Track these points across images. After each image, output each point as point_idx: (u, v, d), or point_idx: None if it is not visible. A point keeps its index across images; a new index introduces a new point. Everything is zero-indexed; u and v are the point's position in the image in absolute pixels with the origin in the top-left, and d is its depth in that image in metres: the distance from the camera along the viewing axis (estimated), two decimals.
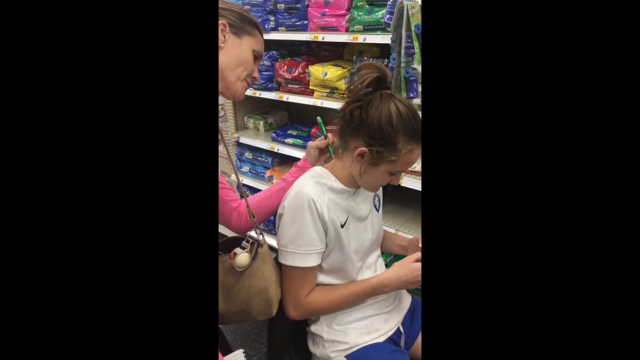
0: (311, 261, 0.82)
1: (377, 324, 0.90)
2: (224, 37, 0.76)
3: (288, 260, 0.83)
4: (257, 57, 0.82)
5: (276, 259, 0.88)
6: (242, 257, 0.80)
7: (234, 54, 0.78)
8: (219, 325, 0.97)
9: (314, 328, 0.91)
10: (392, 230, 1.51)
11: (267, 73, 1.83)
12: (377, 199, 0.98)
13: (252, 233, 0.88)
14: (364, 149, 0.78)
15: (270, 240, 1.26)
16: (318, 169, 0.88)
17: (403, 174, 1.44)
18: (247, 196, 0.92)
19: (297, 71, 1.72)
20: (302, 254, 0.81)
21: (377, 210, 0.98)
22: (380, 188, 1.02)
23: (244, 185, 2.09)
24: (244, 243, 0.83)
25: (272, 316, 0.86)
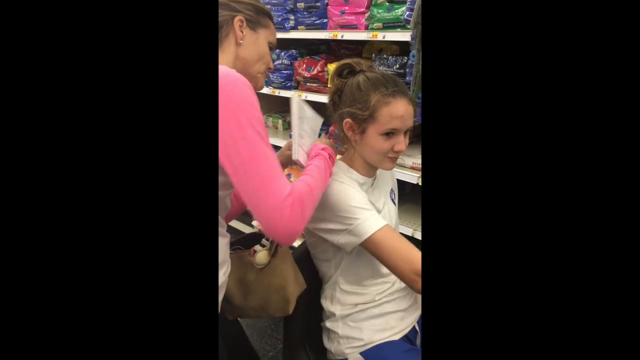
0: (382, 221, 0.78)
1: (393, 322, 0.90)
2: (242, 32, 0.76)
3: (369, 230, 0.76)
4: (271, 48, 0.83)
5: (294, 257, 0.89)
6: (261, 254, 0.82)
7: (253, 49, 0.78)
8: (238, 319, 0.99)
9: (329, 324, 0.92)
10: (410, 230, 1.50)
11: (286, 72, 1.84)
12: (392, 193, 0.99)
13: None
14: (348, 119, 0.83)
15: None
16: (339, 163, 0.90)
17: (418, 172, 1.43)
18: None
19: (315, 69, 1.73)
20: (371, 217, 0.77)
21: (394, 203, 0.98)
22: (395, 182, 1.02)
23: None
24: (263, 240, 0.85)
25: (288, 314, 0.87)
